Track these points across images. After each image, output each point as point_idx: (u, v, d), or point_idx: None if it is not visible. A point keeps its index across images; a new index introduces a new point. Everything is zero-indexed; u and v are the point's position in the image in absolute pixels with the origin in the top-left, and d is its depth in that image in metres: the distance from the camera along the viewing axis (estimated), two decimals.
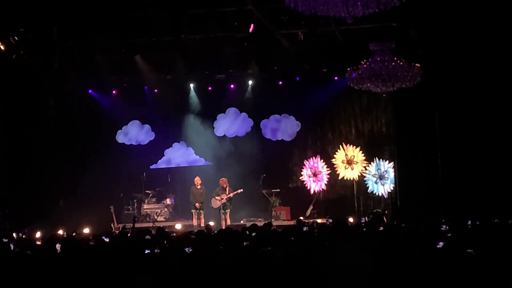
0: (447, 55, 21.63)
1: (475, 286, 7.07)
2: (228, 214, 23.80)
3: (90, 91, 27.03)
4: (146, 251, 10.19)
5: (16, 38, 20.35)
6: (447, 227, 13.91)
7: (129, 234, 17.12)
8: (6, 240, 16.24)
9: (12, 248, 12.40)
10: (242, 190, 23.98)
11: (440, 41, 21.35)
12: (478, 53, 21.30)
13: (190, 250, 10.68)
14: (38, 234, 19.25)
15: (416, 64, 20.13)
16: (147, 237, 14.40)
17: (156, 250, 10.69)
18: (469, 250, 9.41)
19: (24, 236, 19.75)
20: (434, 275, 7.72)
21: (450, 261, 8.29)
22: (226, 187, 23.85)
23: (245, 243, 11.50)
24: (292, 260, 8.34)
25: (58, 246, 11.91)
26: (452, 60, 21.71)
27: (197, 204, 23.80)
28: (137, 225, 21.28)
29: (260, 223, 19.44)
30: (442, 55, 21.66)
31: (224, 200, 23.70)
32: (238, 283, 7.19)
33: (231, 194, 23.75)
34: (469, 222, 15.23)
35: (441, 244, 10.06)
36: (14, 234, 20.32)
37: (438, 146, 22.83)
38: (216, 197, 23.84)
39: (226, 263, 8.12)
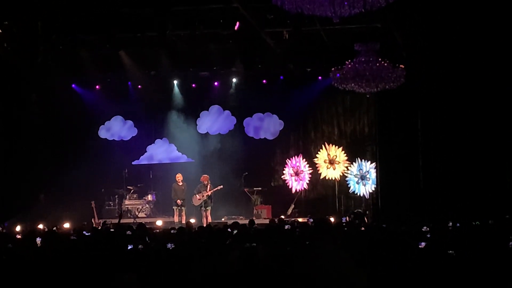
0: (430, 57, 21.71)
1: (456, 286, 7.11)
2: (209, 212, 23.80)
3: (73, 85, 26.89)
4: (129, 247, 10.17)
5: (0, 31, 20.24)
6: (428, 229, 13.98)
7: (111, 229, 17.07)
8: None
9: None
10: (222, 186, 24.01)
11: (424, 43, 21.44)
12: (462, 55, 21.39)
13: (172, 246, 10.67)
14: (18, 228, 19.21)
15: (400, 66, 20.19)
16: (128, 232, 14.39)
17: (139, 246, 10.67)
18: (450, 251, 9.46)
19: (4, 230, 19.67)
20: (416, 275, 7.75)
21: (431, 262, 8.34)
22: (207, 184, 23.84)
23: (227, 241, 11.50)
24: (274, 258, 8.35)
25: (38, 240, 11.87)
26: (436, 62, 21.79)
27: (178, 200, 23.80)
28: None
29: (242, 221, 19.44)
30: (426, 57, 21.73)
31: (204, 197, 23.68)
32: (220, 280, 7.19)
33: (211, 192, 23.75)
34: (450, 224, 15.30)
35: (423, 244, 10.11)
36: None
37: (419, 148, 22.90)
38: (197, 195, 23.83)
39: (209, 260, 8.12)
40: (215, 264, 7.72)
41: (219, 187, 23.89)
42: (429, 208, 21.43)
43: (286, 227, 15.47)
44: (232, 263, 7.71)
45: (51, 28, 20.78)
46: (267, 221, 22.81)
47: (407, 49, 21.58)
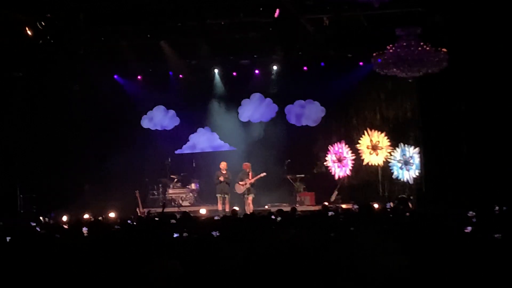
0: (473, 39, 21.46)
1: (503, 271, 7.03)
2: (251, 199, 23.84)
3: (115, 76, 27.10)
4: (175, 235, 10.23)
5: (43, 23, 20.45)
6: (474, 213, 13.84)
7: (156, 218, 17.18)
8: (34, 224, 16.44)
9: (39, 231, 12.54)
10: (265, 174, 24.02)
11: (467, 26, 21.19)
12: (506, 38, 21.12)
13: (218, 234, 10.71)
14: (64, 218, 19.44)
15: (443, 49, 20.01)
16: (172, 221, 14.46)
17: (184, 234, 10.72)
18: (497, 235, 9.36)
19: (50, 220, 19.93)
20: (462, 260, 7.68)
21: (477, 246, 8.26)
22: (249, 172, 23.88)
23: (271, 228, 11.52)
24: (317, 244, 8.34)
25: (84, 229, 11.99)
26: (479, 45, 21.54)
27: (221, 177, 23.85)
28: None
29: (285, 208, 19.42)
30: (469, 40, 21.48)
31: (247, 185, 23.73)
32: (264, 267, 7.19)
33: (254, 179, 23.78)
34: (497, 208, 15.13)
35: (469, 228, 10.01)
36: (40, 218, 20.52)
37: (463, 132, 22.70)
38: (240, 183, 23.90)
39: (253, 248, 8.13)
40: (259, 251, 7.72)
41: (262, 175, 23.90)
42: (474, 192, 21.24)
43: (330, 213, 15.43)
44: (277, 249, 7.71)
45: (92, 19, 20.94)
46: (310, 208, 22.89)
47: (449, 32, 21.35)
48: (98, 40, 22.89)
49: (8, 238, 10.34)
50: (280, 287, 6.37)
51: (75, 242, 9.59)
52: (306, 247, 7.59)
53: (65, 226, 13.80)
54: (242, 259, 7.07)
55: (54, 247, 9.11)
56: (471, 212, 13.48)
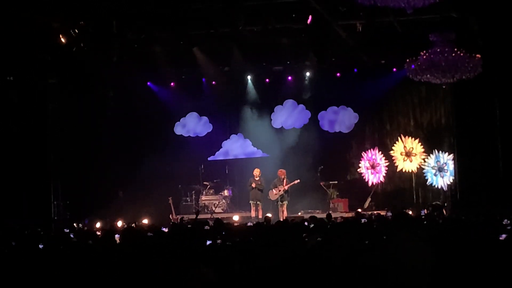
0: (508, 45, 21.27)
1: None
2: (285, 206, 23.77)
3: (148, 83, 27.26)
4: (208, 242, 10.21)
5: (76, 31, 20.59)
6: (509, 221, 13.69)
7: (189, 225, 17.19)
8: (68, 230, 16.52)
9: (72, 238, 12.59)
10: (299, 180, 23.94)
11: (501, 31, 21.00)
12: None
13: (251, 239, 10.70)
14: (98, 225, 19.53)
15: (477, 55, 19.85)
16: (206, 227, 14.46)
17: (217, 241, 10.71)
18: None
19: (84, 227, 20.03)
20: (496, 267, 7.60)
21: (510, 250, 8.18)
22: (283, 178, 23.80)
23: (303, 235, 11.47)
24: (351, 252, 8.29)
25: (117, 236, 12.02)
26: None
27: (253, 184, 23.83)
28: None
29: (318, 215, 19.37)
30: (503, 46, 21.30)
31: (281, 192, 23.67)
32: (297, 275, 7.16)
33: (287, 186, 23.71)
34: None
35: (503, 236, 9.90)
36: (74, 225, 20.64)
37: (498, 138, 22.48)
38: (274, 189, 23.85)
39: (287, 255, 8.10)
40: (290, 257, 7.70)
41: (296, 181, 23.83)
42: (509, 199, 21.02)
43: (363, 220, 15.34)
44: (308, 256, 7.69)
45: (125, 26, 21.05)
46: (344, 215, 22.78)
47: (483, 37, 21.17)
48: (131, 47, 22.99)
49: (41, 246, 10.39)
50: None
51: (107, 249, 9.61)
52: (336, 253, 7.55)
53: (98, 233, 13.84)
54: (274, 265, 7.05)
55: (87, 254, 9.14)
56: (506, 220, 13.35)
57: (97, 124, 25.69)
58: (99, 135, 25.70)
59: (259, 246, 9.67)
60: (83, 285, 7.21)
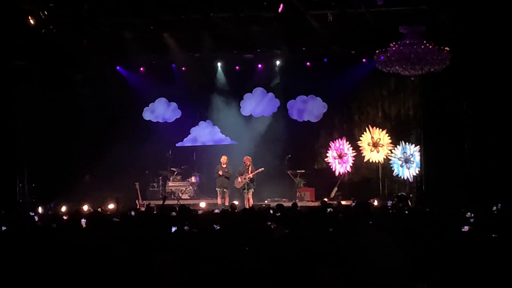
0: (476, 39, 21.43)
1: (499, 270, 7.04)
2: (251, 194, 23.78)
3: (118, 67, 27.10)
4: (173, 229, 10.21)
5: (46, 13, 20.42)
6: (472, 214, 13.82)
7: (155, 211, 17.20)
8: (32, 213, 16.43)
9: (36, 221, 12.54)
10: (263, 168, 23.94)
11: (470, 25, 21.16)
12: (508, 37, 21.10)
13: (218, 227, 10.73)
14: (63, 209, 19.43)
15: (446, 48, 19.99)
16: (173, 214, 14.45)
17: (185, 227, 10.71)
18: (494, 235, 9.38)
19: (49, 211, 19.93)
20: (459, 258, 7.69)
21: (474, 246, 8.27)
22: (249, 165, 23.77)
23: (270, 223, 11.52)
24: (315, 240, 8.34)
25: (83, 221, 11.98)
26: (482, 44, 21.50)
27: (220, 171, 23.82)
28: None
29: (285, 203, 19.42)
30: (472, 39, 21.45)
31: (246, 180, 23.66)
32: (261, 262, 7.20)
33: (252, 174, 23.72)
34: (494, 208, 15.14)
35: (466, 228, 10.02)
36: (40, 208, 20.52)
37: (465, 131, 22.67)
38: (239, 177, 23.85)
39: (251, 242, 8.14)
40: (257, 246, 7.73)
41: (260, 170, 23.81)
42: (474, 191, 21.22)
43: (329, 210, 15.42)
44: (274, 245, 7.72)
45: (96, 10, 20.92)
46: (310, 204, 22.90)
47: (452, 31, 21.32)
48: (101, 31, 22.86)
49: (4, 228, 10.34)
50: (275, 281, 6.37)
51: (73, 233, 9.59)
52: (301, 243, 7.59)
53: (64, 217, 13.78)
54: (239, 254, 7.08)
55: (52, 238, 9.11)
56: (469, 213, 13.49)
57: (65, 107, 25.48)
58: (67, 118, 25.48)
59: (224, 233, 9.71)
60: (46, 268, 7.18)
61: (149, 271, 6.37)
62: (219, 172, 23.94)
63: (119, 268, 6.76)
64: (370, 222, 11.17)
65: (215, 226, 10.69)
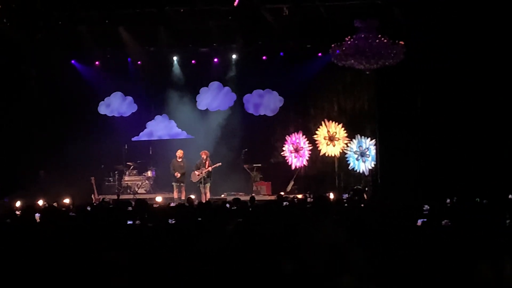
0: (430, 33, 21.65)
1: (452, 260, 7.12)
2: (208, 188, 23.74)
3: (73, 61, 26.86)
4: (128, 222, 10.20)
5: None
6: (427, 207, 13.95)
7: (111, 205, 17.11)
8: None
9: None
10: (220, 163, 23.90)
11: (424, 19, 21.36)
12: (463, 32, 21.35)
13: (173, 221, 10.71)
14: (18, 204, 19.22)
15: (400, 42, 20.15)
16: (129, 208, 14.39)
17: (137, 222, 10.69)
18: (445, 221, 9.53)
19: (3, 206, 19.69)
20: (413, 251, 7.76)
21: (428, 237, 8.36)
22: (206, 159, 23.71)
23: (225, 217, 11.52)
24: (271, 233, 8.37)
25: (37, 215, 11.88)
26: (436, 38, 21.74)
27: (177, 173, 23.71)
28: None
29: (242, 197, 19.42)
30: (426, 33, 21.67)
31: (203, 174, 23.61)
32: (217, 256, 7.20)
33: (210, 168, 23.67)
34: (448, 201, 15.30)
35: (420, 222, 10.12)
36: None
37: (419, 125, 22.92)
38: (196, 171, 23.78)
39: (207, 236, 8.14)
40: (212, 240, 7.74)
41: (217, 164, 23.78)
42: (428, 185, 21.46)
43: (284, 203, 15.47)
44: (229, 238, 7.73)
45: (50, 3, 20.74)
46: (266, 198, 22.94)
47: (406, 25, 21.51)
48: (55, 24, 22.63)
49: None
50: (229, 274, 6.38)
51: (26, 228, 9.51)
52: (256, 237, 7.61)
53: (18, 212, 13.64)
54: (194, 249, 7.08)
55: (5, 233, 9.03)
56: (426, 206, 13.61)
57: (19, 102, 25.21)
58: (22, 113, 25.21)
59: (180, 228, 9.69)
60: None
61: (101, 267, 6.34)
62: (176, 175, 23.77)
63: (71, 263, 6.72)
64: (327, 216, 11.25)
65: (170, 220, 10.66)
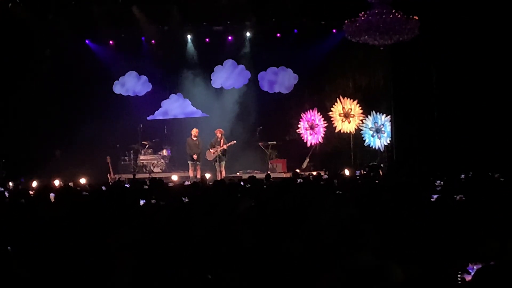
0: (445, 8, 21.49)
1: (465, 234, 7.10)
2: (223, 166, 23.72)
3: (87, 41, 26.86)
4: (142, 202, 10.21)
5: None
6: (441, 182, 13.93)
7: (126, 184, 17.15)
8: (2, 189, 16.33)
9: (6, 197, 12.45)
10: (235, 141, 23.88)
11: None
12: (478, 6, 21.19)
13: (187, 200, 10.72)
14: (34, 184, 19.32)
15: (414, 17, 20.01)
16: (145, 187, 14.43)
17: (152, 201, 10.71)
18: (459, 196, 9.51)
19: (20, 186, 19.81)
20: (428, 227, 7.74)
21: (442, 212, 8.33)
22: (221, 137, 23.65)
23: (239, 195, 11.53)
24: (284, 211, 8.36)
25: (52, 195, 11.93)
26: (451, 13, 21.58)
27: (194, 155, 23.66)
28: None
29: (257, 175, 19.41)
30: (441, 8, 21.51)
31: (218, 152, 23.56)
32: (230, 235, 7.21)
33: (225, 146, 23.63)
34: (463, 176, 15.28)
35: (435, 197, 10.09)
36: (10, 183, 20.40)
37: (434, 100, 22.81)
38: (211, 150, 23.74)
39: (221, 215, 8.14)
40: (225, 218, 7.74)
41: (232, 142, 23.73)
42: (443, 160, 21.38)
43: (299, 181, 15.46)
44: (241, 216, 7.73)
45: None
46: (282, 175, 22.93)
47: (421, 0, 21.34)
48: (69, 4, 22.64)
49: None
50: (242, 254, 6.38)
51: (41, 208, 9.55)
52: (269, 215, 7.60)
53: (31, 192, 13.70)
54: (204, 228, 7.07)
55: (19, 213, 9.07)
56: (438, 181, 13.60)
57: (35, 82, 25.25)
58: (37, 93, 25.26)
59: (192, 207, 9.71)
60: (14, 243, 7.14)
61: (114, 246, 6.36)
62: (194, 157, 23.70)
63: (86, 242, 6.74)
64: (339, 192, 11.24)
65: (183, 198, 10.67)
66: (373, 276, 5.28)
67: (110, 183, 19.38)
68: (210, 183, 16.13)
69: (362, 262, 5.56)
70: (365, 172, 21.16)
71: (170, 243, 6.46)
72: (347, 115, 25.48)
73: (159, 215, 8.12)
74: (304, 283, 5.25)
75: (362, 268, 5.41)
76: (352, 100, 25.57)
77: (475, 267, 6.11)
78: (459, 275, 5.99)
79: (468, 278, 5.97)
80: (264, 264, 5.49)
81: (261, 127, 25.63)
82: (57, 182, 19.50)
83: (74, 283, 5.89)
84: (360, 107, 25.43)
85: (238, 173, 24.16)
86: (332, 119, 25.71)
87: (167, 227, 7.24)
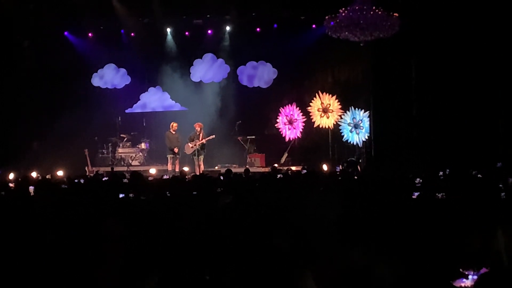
0: (425, 5, 21.56)
1: (445, 231, 7.13)
2: (201, 160, 23.66)
3: (66, 33, 26.69)
4: (121, 195, 10.19)
5: None
6: (420, 180, 13.97)
7: (105, 177, 17.09)
8: None
9: None
10: (214, 136, 23.83)
11: None
12: (457, 3, 21.27)
13: (168, 194, 10.71)
14: (11, 176, 19.20)
15: (395, 14, 20.06)
16: (125, 180, 14.38)
17: (130, 195, 10.69)
18: (439, 194, 9.54)
19: None
20: (407, 223, 7.77)
21: (421, 208, 8.37)
22: (200, 131, 23.58)
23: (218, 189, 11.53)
24: (264, 206, 8.37)
25: (31, 188, 11.87)
26: (431, 10, 21.66)
27: (175, 149, 23.58)
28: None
29: (235, 169, 19.43)
30: (421, 5, 21.58)
31: (197, 146, 23.51)
32: (210, 228, 7.20)
33: (204, 140, 23.58)
34: (441, 173, 15.34)
35: (415, 194, 10.13)
36: None
37: (413, 96, 22.90)
38: (190, 143, 23.68)
39: (201, 208, 8.14)
40: (205, 212, 7.73)
41: (211, 137, 23.68)
42: (422, 157, 21.47)
43: (279, 176, 15.46)
44: (222, 210, 7.73)
45: None
46: (260, 169, 22.95)
47: None
48: None
49: None
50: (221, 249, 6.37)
51: (20, 201, 9.49)
52: (248, 211, 7.60)
53: (11, 184, 13.63)
54: (185, 222, 7.07)
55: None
56: (418, 179, 13.63)
57: (12, 74, 25.09)
58: (15, 84, 25.10)
59: (173, 201, 9.69)
60: None
61: (97, 239, 6.34)
62: (174, 151, 23.60)
63: (67, 236, 6.71)
64: (320, 188, 11.26)
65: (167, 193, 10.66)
66: (361, 272, 5.30)
67: (88, 176, 19.28)
68: (188, 177, 16.10)
69: (351, 258, 5.58)
70: (343, 168, 21.20)
71: (156, 237, 6.45)
72: (325, 110, 25.52)
73: (143, 209, 8.11)
74: (293, 280, 5.25)
75: (351, 264, 5.42)
76: (331, 95, 25.61)
77: (473, 273, 6.11)
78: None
79: (466, 283, 5.99)
80: (252, 259, 5.48)
81: (240, 121, 25.63)
82: (34, 174, 19.40)
83: (62, 276, 5.86)
84: (339, 102, 25.47)
85: (216, 167, 24.18)
86: (310, 114, 25.73)
87: (152, 221, 7.23)
